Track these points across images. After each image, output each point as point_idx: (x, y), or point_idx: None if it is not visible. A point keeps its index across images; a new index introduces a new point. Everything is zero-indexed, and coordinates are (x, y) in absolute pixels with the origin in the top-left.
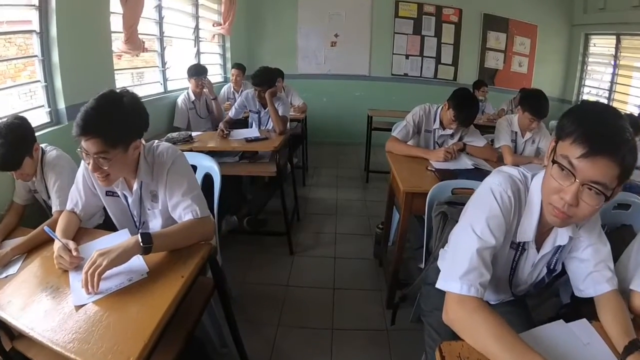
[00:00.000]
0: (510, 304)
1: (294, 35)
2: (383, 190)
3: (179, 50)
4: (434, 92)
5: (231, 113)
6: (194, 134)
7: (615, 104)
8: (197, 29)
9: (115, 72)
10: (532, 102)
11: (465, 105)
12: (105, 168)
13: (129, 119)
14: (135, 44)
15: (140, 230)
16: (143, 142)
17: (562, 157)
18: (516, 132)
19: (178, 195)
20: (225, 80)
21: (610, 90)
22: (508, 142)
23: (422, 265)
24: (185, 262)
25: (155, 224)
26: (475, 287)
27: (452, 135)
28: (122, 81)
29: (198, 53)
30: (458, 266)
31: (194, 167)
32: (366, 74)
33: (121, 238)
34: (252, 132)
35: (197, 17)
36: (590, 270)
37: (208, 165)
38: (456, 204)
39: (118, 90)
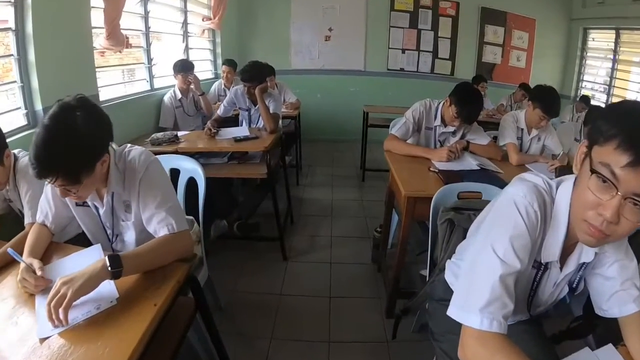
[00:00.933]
0: (524, 322)
1: (287, 29)
2: (380, 190)
3: (167, 46)
4: (431, 87)
5: (220, 111)
6: (180, 133)
7: (614, 99)
8: (185, 23)
9: (98, 69)
10: (546, 99)
11: (468, 101)
12: (75, 192)
13: (87, 144)
14: (117, 39)
15: (113, 244)
16: (114, 146)
17: (602, 165)
18: (522, 129)
19: (152, 208)
20: (216, 77)
21: (610, 86)
22: (514, 139)
23: (425, 273)
24: (159, 287)
25: (129, 237)
26: (498, 320)
27: (454, 133)
28: (108, 79)
29: (187, 49)
30: (477, 295)
31: (177, 171)
32: (361, 69)
33: (92, 255)
34: (242, 130)
35: (185, 11)
36: (616, 289)
37: (192, 168)
38: (463, 209)
39: (71, 103)
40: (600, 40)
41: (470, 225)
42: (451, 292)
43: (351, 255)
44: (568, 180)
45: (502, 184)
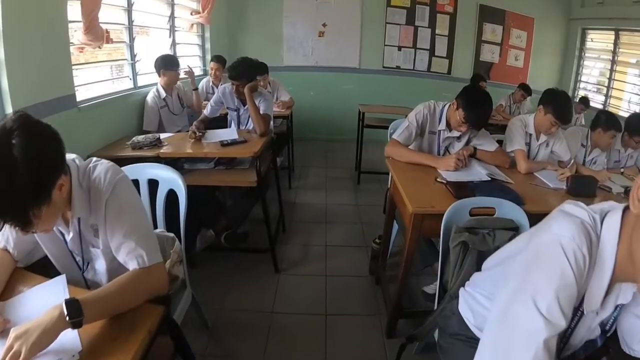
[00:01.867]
0: None
1: (279, 24)
2: (375, 193)
3: (152, 41)
4: (428, 86)
5: (206, 111)
6: (164, 135)
7: (612, 101)
8: (172, 17)
9: (77, 67)
10: (558, 105)
11: (477, 105)
12: (35, 230)
13: (30, 180)
14: (96, 34)
15: (84, 272)
16: (77, 161)
17: None
18: (531, 135)
19: (119, 236)
20: (205, 74)
21: (608, 87)
22: (522, 145)
23: (429, 291)
24: (127, 338)
25: (100, 266)
26: None
27: (458, 138)
28: (90, 77)
29: (174, 44)
30: None
31: (155, 182)
32: (356, 66)
33: (56, 290)
34: (230, 133)
35: (172, 5)
36: None
37: (171, 178)
38: (477, 228)
39: (7, 126)
40: (599, 40)
41: (484, 247)
42: (467, 327)
43: (347, 266)
44: (614, 214)
45: (515, 197)
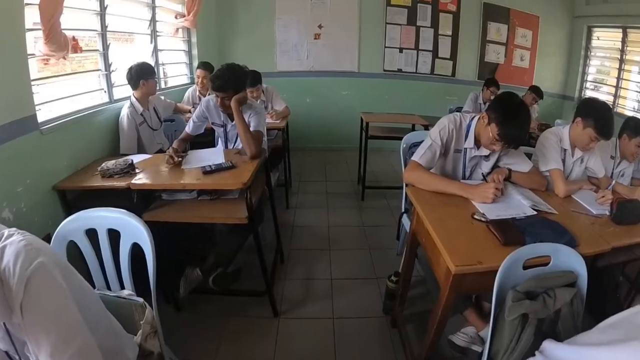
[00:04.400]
0: None
1: (271, 27)
2: (382, 211)
3: (130, 48)
4: (431, 89)
5: (188, 127)
6: (138, 158)
7: (620, 101)
8: (153, 21)
9: (40, 81)
10: (601, 119)
11: (513, 119)
12: None
13: None
14: (58, 42)
15: None
16: None
17: None
18: (565, 150)
19: (46, 352)
20: (192, 82)
21: (617, 87)
22: (559, 164)
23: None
24: None
25: None
26: None
27: (487, 157)
28: (67, 90)
29: (155, 50)
30: None
31: (116, 233)
32: (355, 70)
33: None
34: (215, 154)
35: (153, 7)
36: None
37: (134, 230)
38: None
39: None
40: (605, 39)
41: (545, 313)
42: None
43: (357, 304)
44: None
45: (570, 239)
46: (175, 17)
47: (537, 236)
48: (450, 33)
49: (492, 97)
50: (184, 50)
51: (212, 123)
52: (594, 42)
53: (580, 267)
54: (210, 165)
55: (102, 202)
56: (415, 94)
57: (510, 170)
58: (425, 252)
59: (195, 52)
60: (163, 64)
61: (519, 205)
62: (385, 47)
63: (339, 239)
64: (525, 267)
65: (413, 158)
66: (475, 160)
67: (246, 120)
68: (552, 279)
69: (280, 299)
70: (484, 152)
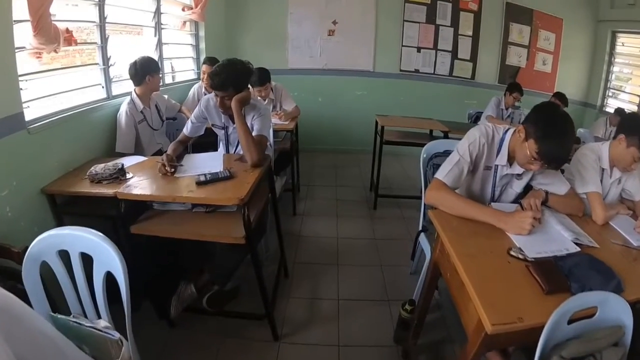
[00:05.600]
0: None
1: (283, 21)
2: (395, 221)
3: (132, 42)
4: (450, 92)
5: (186, 129)
6: (131, 161)
7: None
8: (158, 13)
9: (32, 76)
10: None
11: (558, 136)
12: None
13: None
14: (48, 35)
15: None
16: None
17: None
18: (603, 170)
19: None
20: (199, 77)
21: None
22: (599, 187)
23: None
24: None
25: None
26: None
27: (519, 175)
28: (62, 85)
29: (160, 44)
30: None
31: (88, 257)
32: (370, 70)
33: None
34: (213, 161)
35: None
36: None
37: (107, 257)
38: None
39: None
40: (630, 45)
41: None
42: None
43: (366, 331)
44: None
45: (617, 284)
46: (183, 10)
47: (582, 280)
48: (470, 33)
49: (516, 104)
50: (191, 44)
51: (212, 125)
52: (618, 48)
53: (627, 318)
54: (205, 175)
55: (92, 209)
56: (433, 96)
57: (547, 192)
58: (449, 289)
59: (202, 46)
60: (169, 59)
61: (560, 238)
62: (402, 45)
63: (349, 253)
64: (569, 321)
65: (437, 176)
66: (506, 179)
67: (249, 122)
68: (600, 341)
69: (282, 319)
70: (517, 170)
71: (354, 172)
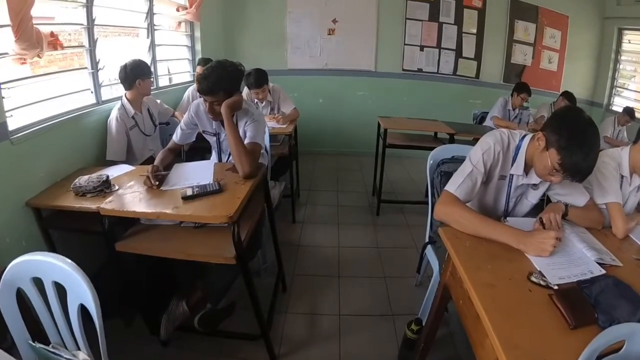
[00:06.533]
0: None
1: (282, 20)
2: (399, 228)
3: (124, 44)
4: (453, 92)
5: (175, 136)
6: (117, 172)
7: None
8: (150, 13)
9: (13, 83)
10: None
11: (583, 145)
12: None
13: None
14: (30, 40)
15: None
16: None
17: None
18: (623, 177)
19: None
20: (195, 80)
21: None
22: (620, 197)
23: None
24: None
25: None
26: None
27: (535, 185)
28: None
29: (152, 46)
30: None
31: (61, 288)
32: (372, 69)
33: None
34: (203, 171)
35: None
36: None
37: (78, 289)
38: None
39: None
40: (637, 42)
41: None
42: None
43: (369, 350)
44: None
45: None
46: (177, 10)
47: (609, 311)
48: (475, 31)
49: (524, 104)
50: (186, 46)
51: (203, 131)
52: (625, 46)
53: None
54: (192, 188)
55: (78, 223)
56: (437, 96)
57: (567, 205)
58: (461, 317)
59: (198, 47)
60: (165, 61)
61: (583, 259)
62: (404, 44)
63: (350, 264)
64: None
65: (448, 189)
66: (521, 189)
67: (241, 129)
68: None
69: (280, 337)
70: (534, 179)
71: (355, 176)
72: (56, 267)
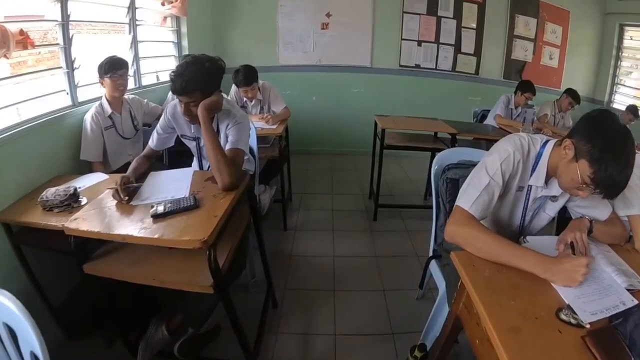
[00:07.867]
0: None
1: (273, 14)
2: (397, 234)
3: (103, 41)
4: (453, 88)
5: (152, 141)
6: (87, 182)
7: None
8: (132, 8)
9: None
10: None
11: (620, 156)
12: None
13: None
14: None
15: None
16: None
17: None
18: None
19: None
20: None
21: None
22: None
23: None
24: None
25: None
26: None
27: (555, 197)
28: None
29: (135, 42)
30: None
31: None
32: (367, 65)
33: None
34: (180, 181)
35: None
36: None
37: (27, 335)
38: None
39: None
40: (638, 39)
41: None
42: None
43: None
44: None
45: None
46: (162, 4)
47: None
48: (474, 25)
49: (528, 103)
50: (172, 42)
51: (182, 135)
52: (626, 42)
53: None
54: (164, 204)
55: (46, 241)
56: (435, 92)
57: (591, 221)
58: (477, 358)
59: (185, 43)
60: (148, 58)
61: (613, 286)
62: (402, 39)
63: (346, 276)
64: None
65: (462, 204)
66: (539, 201)
67: (222, 134)
68: None
69: None
70: (555, 191)
71: (351, 177)
72: (4, 308)
